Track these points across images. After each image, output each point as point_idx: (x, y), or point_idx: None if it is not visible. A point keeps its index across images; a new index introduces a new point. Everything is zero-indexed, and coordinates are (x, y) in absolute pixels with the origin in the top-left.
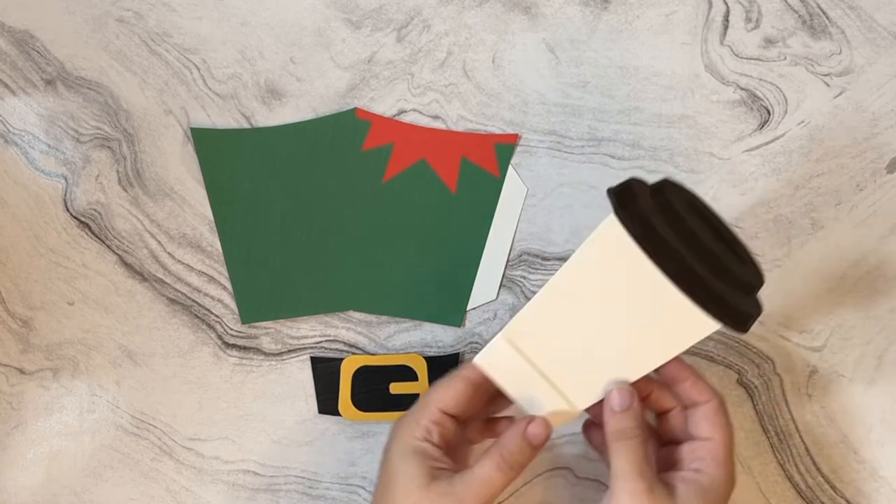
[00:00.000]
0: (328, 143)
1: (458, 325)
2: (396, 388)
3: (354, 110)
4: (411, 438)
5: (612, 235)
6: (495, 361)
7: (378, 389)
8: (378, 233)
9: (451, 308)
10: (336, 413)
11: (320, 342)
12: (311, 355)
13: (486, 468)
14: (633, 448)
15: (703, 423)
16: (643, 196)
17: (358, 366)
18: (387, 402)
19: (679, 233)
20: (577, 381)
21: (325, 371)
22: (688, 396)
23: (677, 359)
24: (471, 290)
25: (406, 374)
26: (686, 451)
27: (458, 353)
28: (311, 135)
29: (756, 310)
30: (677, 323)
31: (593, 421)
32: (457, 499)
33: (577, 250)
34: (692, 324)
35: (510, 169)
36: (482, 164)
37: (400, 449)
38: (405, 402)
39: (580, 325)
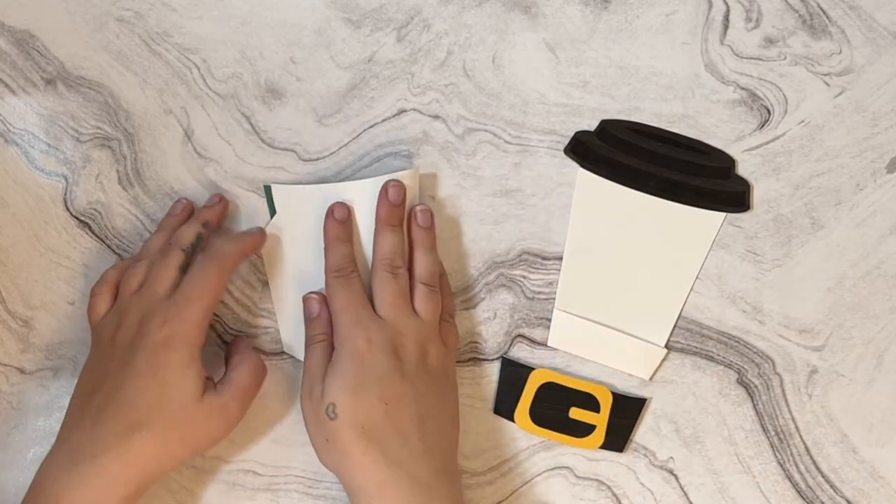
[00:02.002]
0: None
1: None
2: (576, 413)
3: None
4: (195, 347)
5: (589, 185)
6: (564, 335)
7: (558, 409)
8: None
9: None
10: (510, 418)
11: None
12: (504, 356)
13: (245, 376)
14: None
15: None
16: (593, 142)
17: (546, 380)
18: (563, 423)
19: (640, 156)
20: (642, 319)
21: (513, 375)
22: None
23: None
24: None
25: (589, 402)
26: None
27: (644, 399)
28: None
29: (744, 185)
30: (689, 230)
31: None
32: (229, 411)
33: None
34: (701, 224)
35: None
36: None
37: (180, 357)
38: (580, 429)
39: (613, 271)
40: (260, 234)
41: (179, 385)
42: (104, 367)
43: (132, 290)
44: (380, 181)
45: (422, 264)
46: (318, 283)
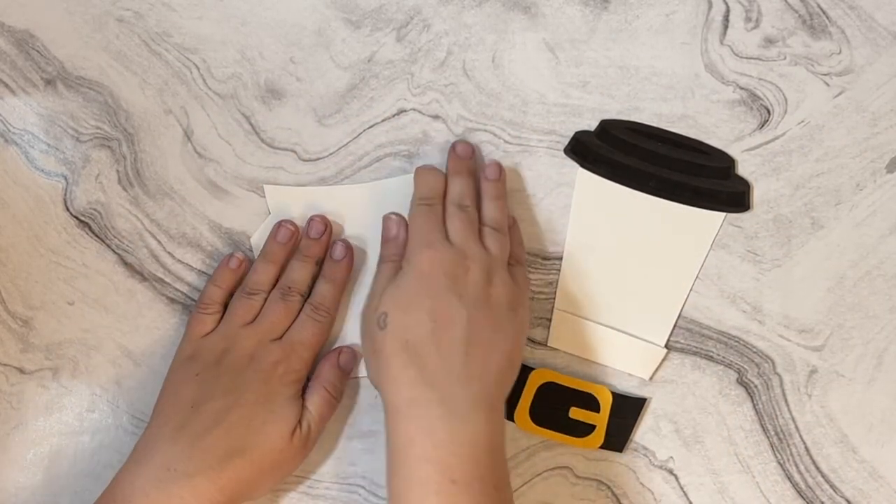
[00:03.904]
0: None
1: None
2: (576, 413)
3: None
4: (297, 381)
5: (589, 185)
6: (564, 335)
7: (558, 409)
8: None
9: None
10: (510, 418)
11: None
12: None
13: (320, 406)
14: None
15: None
16: (593, 142)
17: (546, 380)
18: (563, 423)
19: (640, 156)
20: (642, 319)
21: None
22: None
23: None
24: None
25: (590, 402)
26: None
27: (644, 399)
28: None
29: (744, 185)
30: (689, 230)
31: None
32: (308, 444)
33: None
34: (701, 224)
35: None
36: None
37: (288, 385)
38: (580, 429)
39: (613, 271)
40: (348, 264)
41: (285, 417)
42: (208, 388)
43: (245, 322)
44: (376, 186)
45: (489, 210)
46: None
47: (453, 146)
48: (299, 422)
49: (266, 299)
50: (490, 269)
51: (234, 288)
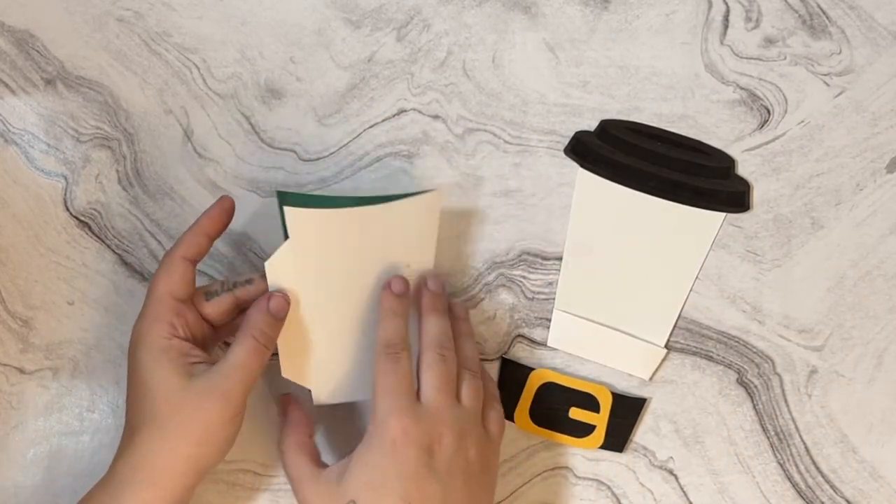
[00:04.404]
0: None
1: None
2: (576, 413)
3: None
4: (158, 338)
5: (589, 185)
6: (564, 335)
7: (558, 409)
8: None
9: None
10: (510, 419)
11: None
12: (503, 356)
13: (240, 354)
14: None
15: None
16: (593, 142)
17: (545, 380)
18: (563, 423)
19: (640, 156)
20: (642, 319)
21: (512, 375)
22: None
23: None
24: None
25: (589, 402)
26: None
27: (644, 399)
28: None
29: (744, 185)
30: (689, 230)
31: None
32: (220, 392)
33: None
34: (701, 224)
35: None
36: None
37: (148, 353)
38: (580, 429)
39: (613, 271)
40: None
41: (154, 381)
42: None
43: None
44: (406, 205)
45: (467, 350)
46: (333, 315)
47: (419, 282)
48: (194, 374)
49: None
50: (463, 431)
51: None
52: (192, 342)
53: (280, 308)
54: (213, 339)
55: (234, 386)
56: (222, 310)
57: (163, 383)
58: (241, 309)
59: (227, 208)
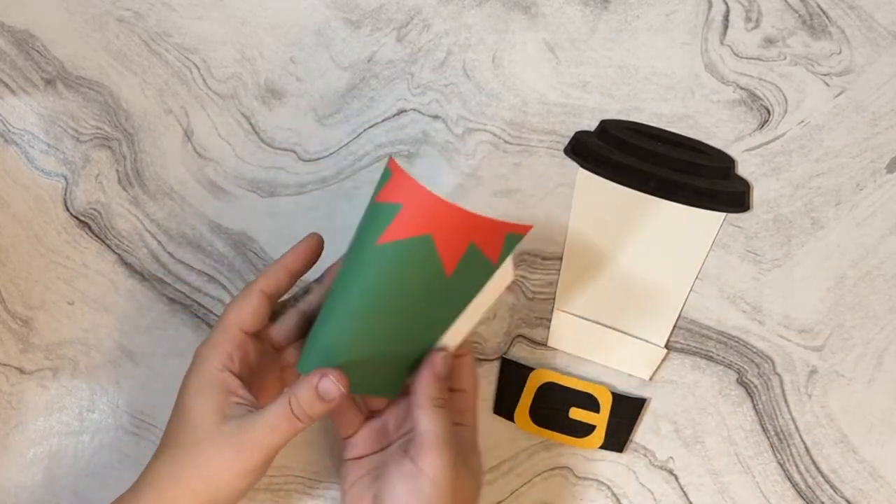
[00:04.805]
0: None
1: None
2: (576, 413)
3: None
4: (211, 367)
5: (589, 185)
6: (564, 335)
7: (558, 409)
8: (362, 297)
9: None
10: (510, 418)
11: None
12: (503, 356)
13: (273, 416)
14: (446, 415)
15: (456, 376)
16: (593, 142)
17: (546, 380)
18: (563, 423)
19: (640, 156)
20: (642, 319)
21: (512, 375)
22: None
23: None
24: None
25: (589, 402)
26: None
27: (644, 399)
28: None
29: (744, 185)
30: (689, 230)
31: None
32: (241, 444)
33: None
34: (701, 224)
35: (508, 258)
36: (487, 251)
37: (199, 380)
38: (580, 429)
39: (613, 271)
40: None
41: (192, 408)
42: None
43: None
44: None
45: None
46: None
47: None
48: (234, 416)
49: None
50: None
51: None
52: (244, 378)
53: (326, 391)
54: (274, 367)
55: (255, 444)
56: (290, 327)
57: (198, 413)
58: (309, 321)
59: (313, 246)
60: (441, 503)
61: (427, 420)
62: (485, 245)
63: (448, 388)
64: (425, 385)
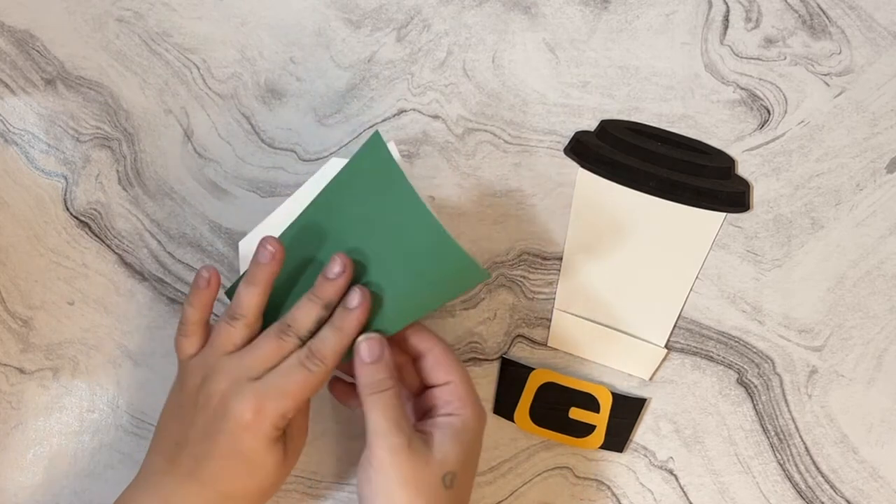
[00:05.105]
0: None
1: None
2: (576, 413)
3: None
4: (273, 430)
5: (589, 185)
6: (564, 335)
7: (558, 409)
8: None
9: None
10: (510, 418)
11: None
12: (503, 356)
13: (302, 440)
14: (388, 400)
15: (436, 369)
16: (593, 142)
17: (546, 380)
18: (563, 423)
19: (640, 156)
20: (642, 319)
21: (512, 375)
22: (414, 348)
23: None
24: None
25: (590, 402)
26: (436, 397)
27: (644, 399)
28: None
29: (744, 185)
30: (689, 230)
31: (338, 377)
32: (289, 467)
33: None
34: (701, 224)
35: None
36: None
37: (261, 439)
38: (580, 429)
39: (613, 271)
40: (361, 314)
41: (262, 466)
42: (187, 429)
43: (227, 350)
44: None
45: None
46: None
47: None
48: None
49: (250, 325)
50: None
51: (212, 305)
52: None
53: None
54: None
55: (297, 453)
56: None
57: (268, 467)
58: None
59: (216, 283)
60: (391, 490)
61: (367, 409)
62: None
63: (398, 371)
64: (358, 375)
